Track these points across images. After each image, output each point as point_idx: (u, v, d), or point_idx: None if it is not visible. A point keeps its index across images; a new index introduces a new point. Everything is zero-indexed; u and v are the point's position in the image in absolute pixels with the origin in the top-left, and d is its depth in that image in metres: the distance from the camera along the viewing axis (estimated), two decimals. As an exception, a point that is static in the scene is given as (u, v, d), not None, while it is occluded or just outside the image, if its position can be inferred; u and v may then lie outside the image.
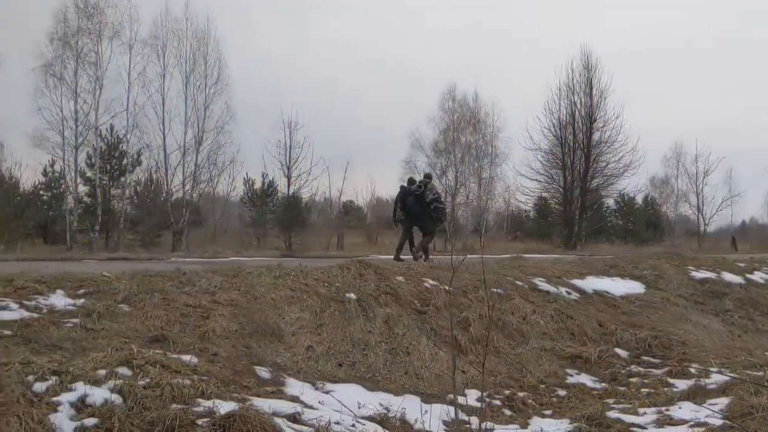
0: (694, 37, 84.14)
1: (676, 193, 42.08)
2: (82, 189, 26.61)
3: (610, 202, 38.21)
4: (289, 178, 19.95)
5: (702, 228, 38.65)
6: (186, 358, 5.81)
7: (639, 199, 42.93)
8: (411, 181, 14.12)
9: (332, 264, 9.87)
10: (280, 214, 29.36)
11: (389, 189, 67.83)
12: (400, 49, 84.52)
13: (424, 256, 12.98)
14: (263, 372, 6.17)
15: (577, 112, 29.80)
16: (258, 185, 29.86)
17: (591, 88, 29.68)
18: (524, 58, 78.31)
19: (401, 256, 13.08)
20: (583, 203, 29.83)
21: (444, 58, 78.02)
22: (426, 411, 5.94)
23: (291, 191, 20.24)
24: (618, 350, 9.05)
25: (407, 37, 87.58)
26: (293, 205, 28.15)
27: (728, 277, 13.03)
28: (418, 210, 13.05)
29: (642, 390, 7.61)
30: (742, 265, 14.39)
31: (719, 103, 75.85)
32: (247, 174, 30.64)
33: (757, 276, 13.71)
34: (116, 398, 4.43)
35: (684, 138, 56.89)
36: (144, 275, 7.79)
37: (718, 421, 6.13)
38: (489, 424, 6.14)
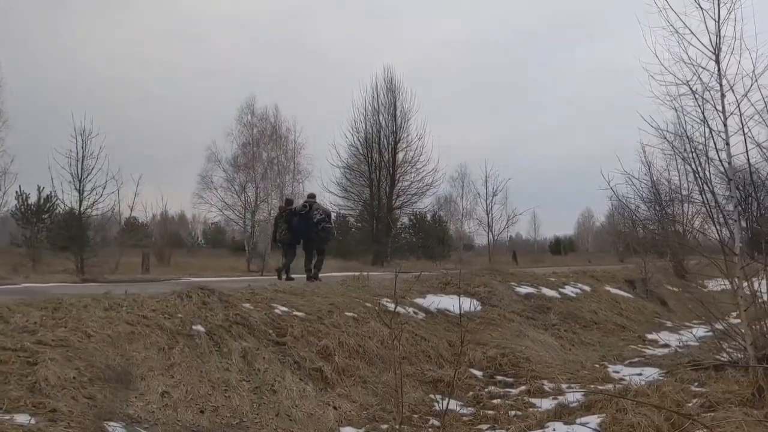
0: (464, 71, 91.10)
1: (461, 212, 44.81)
2: None
3: (404, 219, 39.70)
4: (81, 192, 17.78)
5: (490, 244, 41.45)
6: (21, 419, 4.65)
7: (428, 216, 45.07)
8: (288, 201, 14.36)
9: (160, 290, 8.78)
10: (56, 233, 26.17)
11: (182, 204, 64.33)
12: (197, 57, 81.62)
13: (315, 275, 13.18)
14: (118, 429, 5.13)
15: (382, 132, 30.58)
16: (33, 199, 26.53)
17: (395, 109, 30.64)
18: (328, 76, 79.43)
19: (291, 275, 13.20)
20: (390, 221, 30.56)
21: (245, 69, 76.62)
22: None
23: (84, 207, 18.04)
24: (473, 371, 9.08)
25: (205, 46, 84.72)
26: (71, 222, 25.18)
27: (547, 291, 13.87)
28: (304, 229, 13.06)
29: (510, 412, 7.60)
30: (553, 279, 15.43)
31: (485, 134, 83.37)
32: (20, 187, 27.08)
33: (568, 290, 14.78)
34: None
35: (467, 161, 61.79)
36: (-64, 314, 6.21)
37: (601, 443, 6.24)
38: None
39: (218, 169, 35.48)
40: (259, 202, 35.32)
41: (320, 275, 13.18)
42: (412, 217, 41.19)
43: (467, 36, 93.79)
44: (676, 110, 8.74)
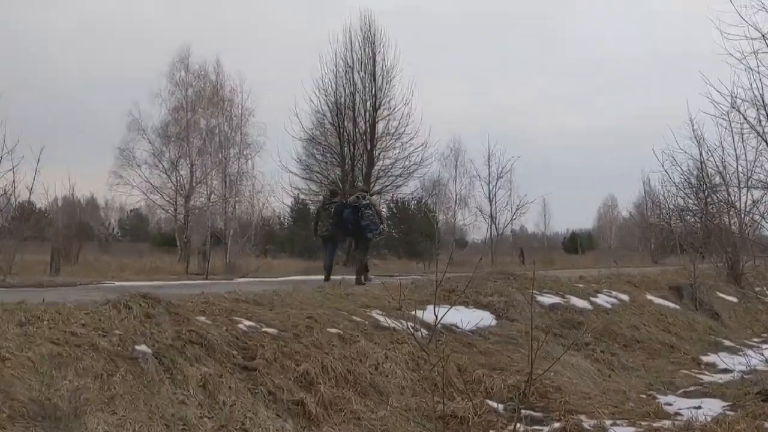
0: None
1: (454, 199, 44.05)
2: None
3: (382, 208, 39.36)
4: (-31, 170, 17.35)
5: (493, 240, 41.25)
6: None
7: (412, 205, 44.60)
8: (333, 192, 15.44)
9: (86, 299, 8.65)
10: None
11: (93, 187, 63.31)
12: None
13: (364, 277, 14.17)
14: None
15: (357, 95, 29.99)
16: None
17: (374, 66, 30.13)
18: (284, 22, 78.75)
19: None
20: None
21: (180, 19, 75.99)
22: None
23: (-25, 186, 17.66)
24: (491, 402, 9.06)
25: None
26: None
27: (576, 302, 13.96)
28: (351, 220, 14.18)
29: (543, 459, 7.65)
30: (581, 286, 15.57)
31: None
32: None
33: (601, 299, 14.91)
34: None
35: (461, 134, 61.41)
36: None
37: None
38: None
39: (142, 140, 35.29)
40: (195, 184, 35.05)
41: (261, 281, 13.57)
42: (392, 204, 40.92)
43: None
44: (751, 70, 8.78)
